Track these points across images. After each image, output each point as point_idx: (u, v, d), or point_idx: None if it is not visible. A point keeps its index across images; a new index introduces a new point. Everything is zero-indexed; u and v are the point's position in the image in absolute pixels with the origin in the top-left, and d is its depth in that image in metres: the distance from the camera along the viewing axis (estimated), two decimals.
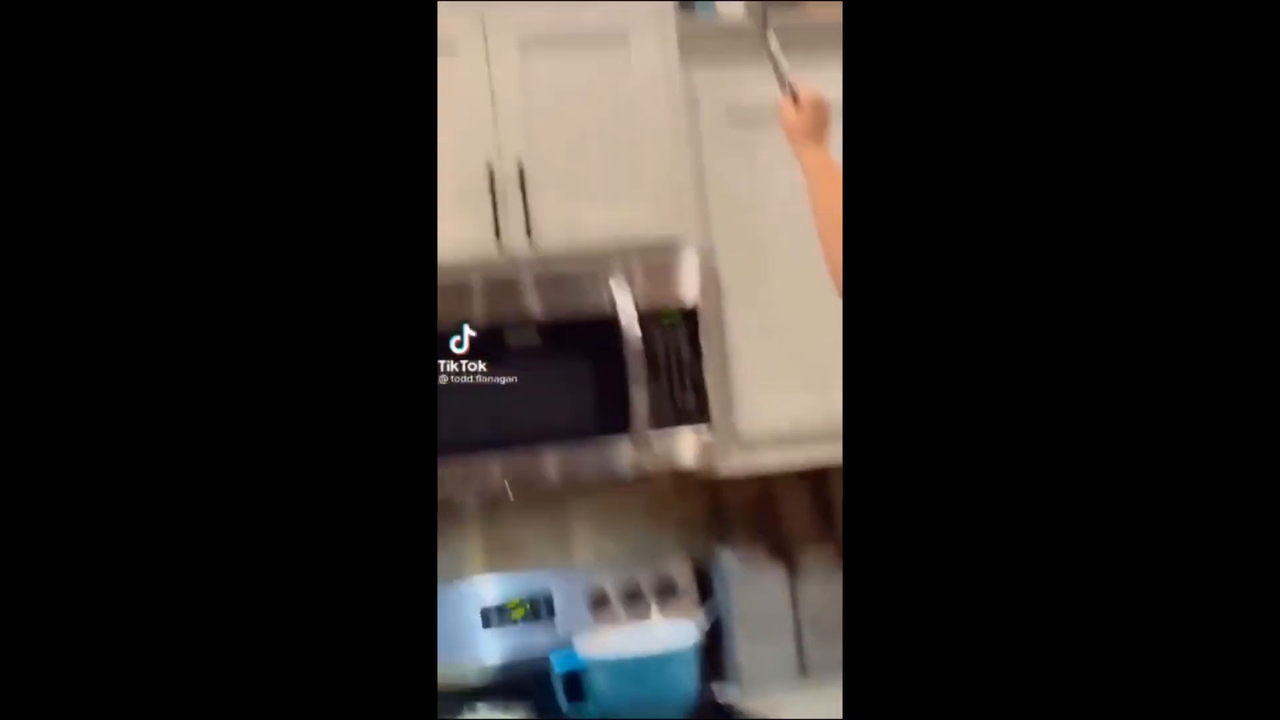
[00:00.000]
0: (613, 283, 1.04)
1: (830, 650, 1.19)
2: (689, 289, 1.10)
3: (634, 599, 1.22)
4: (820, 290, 1.15)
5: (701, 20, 1.17)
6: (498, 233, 1.04)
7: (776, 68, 0.97)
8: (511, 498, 1.19)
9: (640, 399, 1.03)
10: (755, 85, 1.11)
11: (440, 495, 0.90)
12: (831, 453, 1.09)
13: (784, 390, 1.13)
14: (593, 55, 1.11)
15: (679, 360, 1.08)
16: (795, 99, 0.95)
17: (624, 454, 1.09)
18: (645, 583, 1.22)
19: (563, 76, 1.09)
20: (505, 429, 1.07)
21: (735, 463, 1.14)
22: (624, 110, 1.09)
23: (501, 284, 1.07)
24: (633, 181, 1.09)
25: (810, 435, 1.13)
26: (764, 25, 0.98)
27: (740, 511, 1.31)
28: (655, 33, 1.10)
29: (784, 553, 1.28)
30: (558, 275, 1.08)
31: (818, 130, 0.97)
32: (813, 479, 1.27)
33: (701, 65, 1.13)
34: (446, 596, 1.13)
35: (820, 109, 0.97)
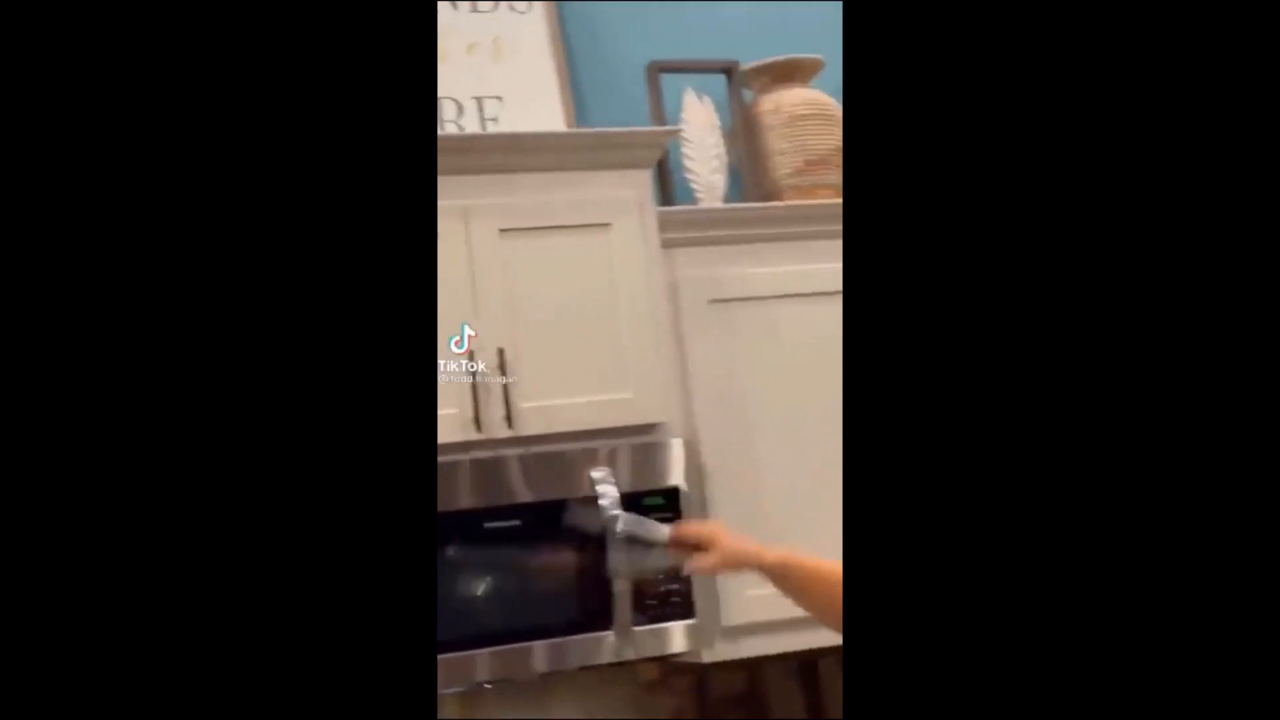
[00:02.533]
0: (597, 474, 0.99)
1: None
2: (673, 472, 1.08)
3: None
4: (803, 472, 1.17)
5: (680, 207, 1.20)
6: (477, 420, 1.03)
7: (643, 557, 0.92)
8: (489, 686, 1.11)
9: (623, 595, 0.96)
10: (734, 267, 1.18)
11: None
12: (819, 639, 1.05)
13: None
14: (574, 242, 1.12)
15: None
16: (696, 547, 0.89)
17: (609, 646, 1.03)
18: None
19: (544, 264, 1.10)
20: (484, 618, 1.02)
21: (720, 651, 1.09)
22: (605, 296, 1.10)
23: (487, 466, 1.04)
24: (615, 367, 1.09)
25: (796, 623, 1.08)
26: (613, 523, 0.92)
27: (728, 701, 1.25)
28: (636, 220, 1.11)
29: None
30: (547, 457, 1.05)
31: (737, 545, 0.91)
32: (801, 666, 1.22)
33: (681, 250, 1.15)
34: None
35: (713, 533, 0.92)
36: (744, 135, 1.26)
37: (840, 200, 1.17)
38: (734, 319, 1.15)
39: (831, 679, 1.25)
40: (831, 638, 0.87)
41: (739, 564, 0.89)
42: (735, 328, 1.15)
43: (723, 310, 1.15)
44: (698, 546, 0.87)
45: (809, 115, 1.22)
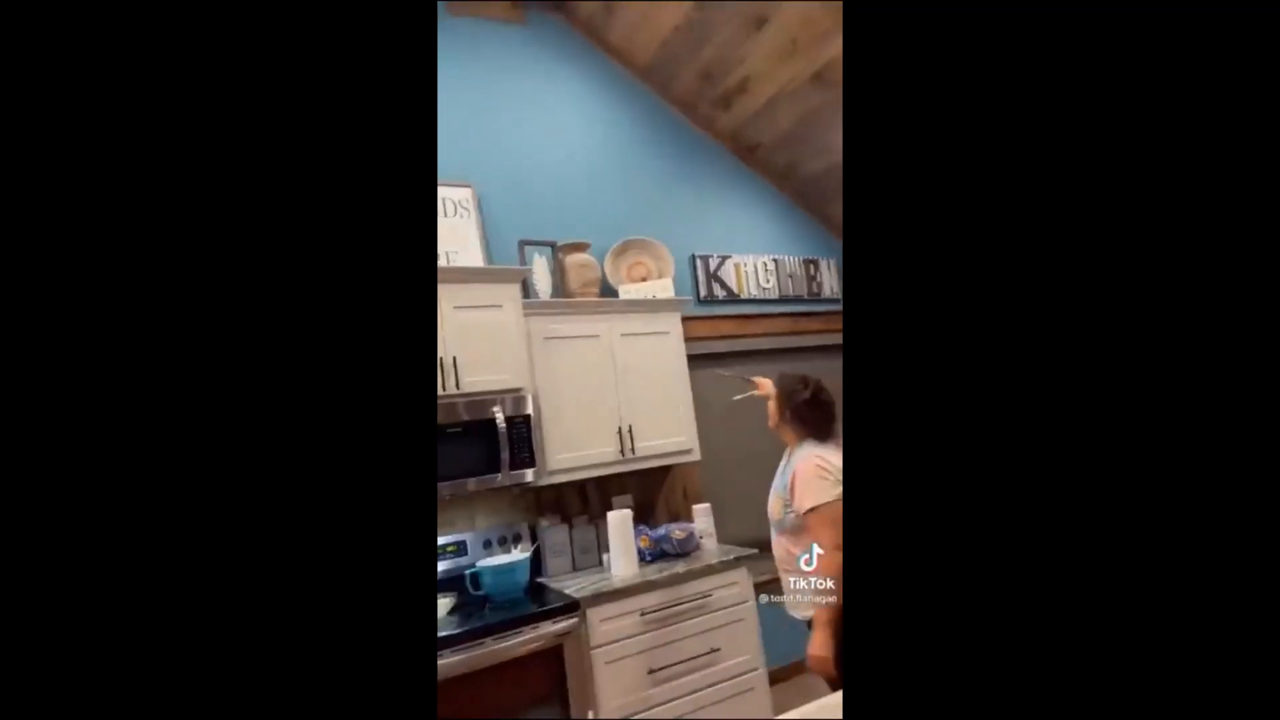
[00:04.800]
0: (495, 408, 2.43)
1: (585, 557, 2.51)
2: (528, 407, 2.50)
3: (503, 542, 2.44)
4: (583, 416, 2.68)
5: (530, 299, 2.70)
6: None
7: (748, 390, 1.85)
8: (448, 498, 2.46)
9: (505, 457, 2.37)
10: (554, 324, 2.64)
11: None
12: (591, 473, 2.53)
13: (569, 450, 2.54)
14: (485, 315, 2.57)
15: (523, 440, 2.45)
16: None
17: (499, 479, 2.39)
18: (508, 535, 2.47)
19: (472, 322, 2.51)
20: (448, 469, 2.36)
21: (544, 481, 2.44)
22: (500, 336, 2.50)
23: (445, 408, 2.41)
24: (505, 366, 2.51)
25: (581, 466, 2.56)
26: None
27: (548, 503, 2.65)
28: (514, 305, 2.50)
29: (565, 519, 2.61)
30: (474, 402, 2.45)
31: (769, 386, 1.81)
32: (580, 486, 2.69)
33: (532, 317, 2.59)
34: None
35: (765, 382, 1.84)
36: (559, 271, 2.77)
37: (596, 298, 2.72)
38: (555, 347, 2.56)
39: (602, 490, 2.70)
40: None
41: (767, 392, 1.78)
42: (556, 351, 2.56)
43: (550, 343, 2.55)
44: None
45: (582, 265, 2.72)
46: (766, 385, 1.85)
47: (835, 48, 2.66)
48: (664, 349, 2.69)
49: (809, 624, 1.51)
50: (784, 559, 1.67)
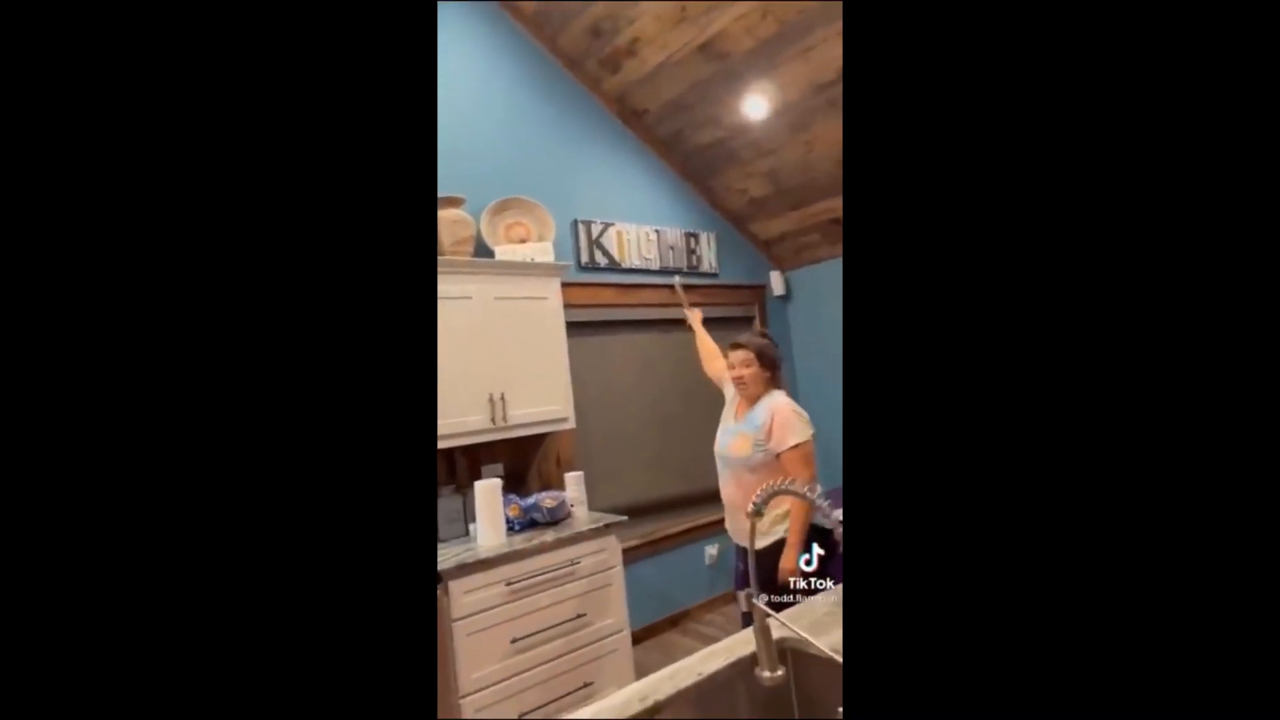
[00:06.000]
0: None
1: (451, 527, 2.41)
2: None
3: None
4: (454, 369, 2.55)
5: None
6: None
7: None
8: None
9: None
10: None
11: None
12: (459, 441, 2.42)
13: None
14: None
15: None
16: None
17: None
18: None
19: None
20: None
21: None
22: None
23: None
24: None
25: (448, 435, 2.44)
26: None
27: None
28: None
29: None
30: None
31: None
32: (448, 454, 2.59)
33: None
34: None
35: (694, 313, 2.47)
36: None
37: (470, 258, 2.59)
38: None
39: (471, 458, 2.61)
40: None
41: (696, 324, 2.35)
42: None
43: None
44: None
45: (455, 221, 2.57)
46: (698, 317, 2.40)
47: (725, 19, 2.66)
48: (541, 314, 2.61)
49: (750, 564, 1.72)
50: (740, 495, 1.86)
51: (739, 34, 2.70)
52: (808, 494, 0.89)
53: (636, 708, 0.90)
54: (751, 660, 1.00)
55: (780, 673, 0.87)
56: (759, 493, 0.88)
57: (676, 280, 2.74)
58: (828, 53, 2.66)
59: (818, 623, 1.12)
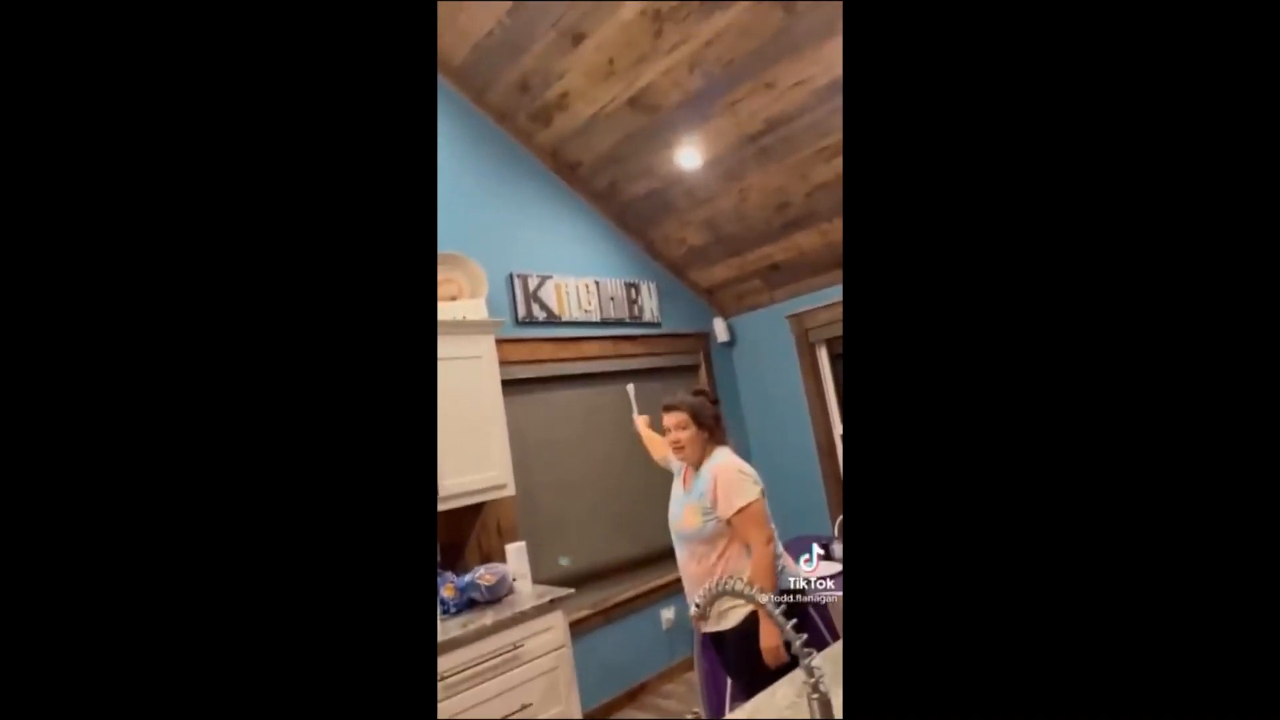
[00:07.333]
0: None
1: None
2: None
3: None
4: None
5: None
6: None
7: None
8: None
9: None
10: None
11: None
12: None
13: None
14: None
15: None
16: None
17: None
18: None
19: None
20: None
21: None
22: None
23: None
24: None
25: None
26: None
27: None
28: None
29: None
30: None
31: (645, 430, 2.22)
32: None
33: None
34: None
35: (643, 422, 2.26)
36: None
37: None
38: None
39: None
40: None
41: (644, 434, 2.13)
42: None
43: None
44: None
45: None
46: (643, 423, 2.21)
47: (652, 73, 2.66)
48: (475, 374, 2.46)
49: (718, 637, 1.66)
50: (700, 571, 1.73)
51: (667, 87, 2.71)
52: (757, 595, 0.77)
53: None
54: None
55: None
56: (700, 593, 0.77)
57: (630, 388, 2.56)
58: (754, 104, 2.69)
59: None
